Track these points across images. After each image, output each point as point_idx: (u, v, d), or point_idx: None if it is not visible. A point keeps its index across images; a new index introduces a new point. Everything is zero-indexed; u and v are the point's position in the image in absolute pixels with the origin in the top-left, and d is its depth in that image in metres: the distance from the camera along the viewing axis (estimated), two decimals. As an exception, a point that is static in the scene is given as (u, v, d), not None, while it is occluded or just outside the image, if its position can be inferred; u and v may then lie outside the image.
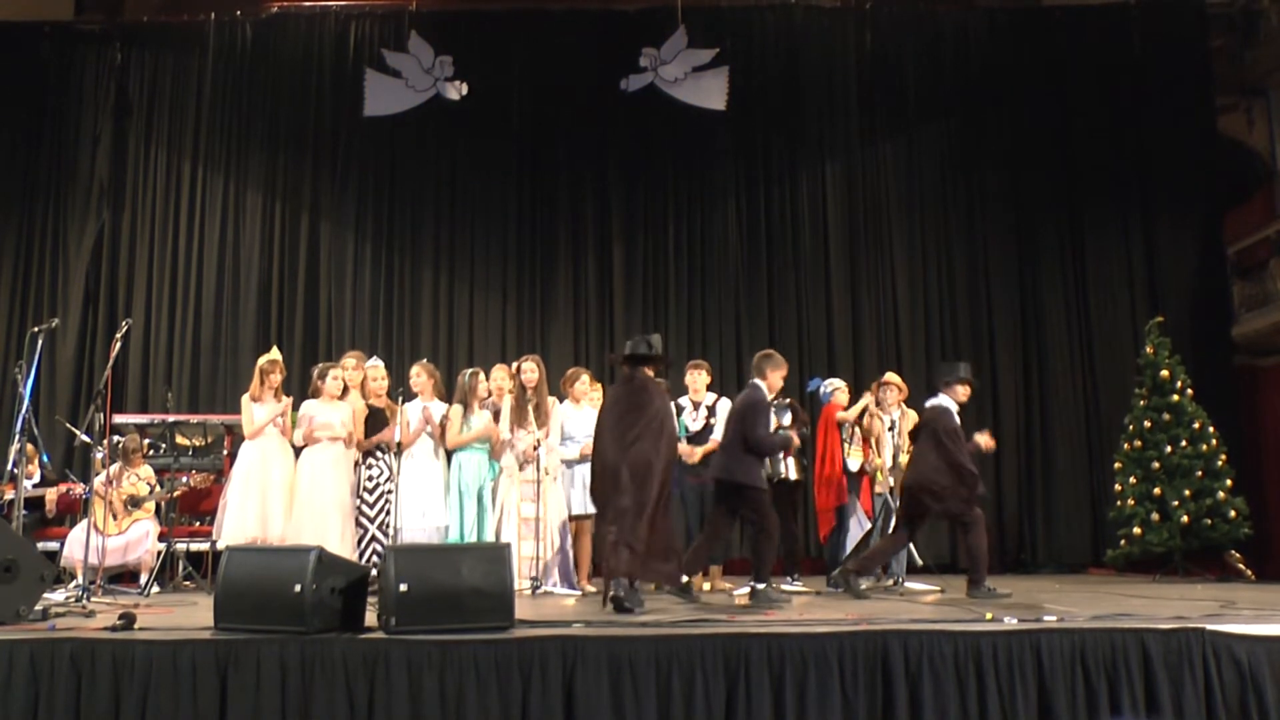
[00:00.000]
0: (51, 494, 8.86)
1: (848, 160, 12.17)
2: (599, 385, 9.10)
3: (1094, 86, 11.97)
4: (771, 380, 7.22)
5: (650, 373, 6.73)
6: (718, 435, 8.66)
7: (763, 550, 6.81)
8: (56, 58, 12.34)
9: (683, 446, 8.71)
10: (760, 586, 6.69)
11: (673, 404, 8.77)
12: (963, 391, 7.51)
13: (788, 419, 8.66)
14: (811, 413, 9.22)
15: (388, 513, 7.82)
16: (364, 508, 7.86)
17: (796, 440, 7.87)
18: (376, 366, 8.27)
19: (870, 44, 12.33)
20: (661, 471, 6.26)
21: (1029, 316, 11.74)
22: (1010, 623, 4.97)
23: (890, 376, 8.93)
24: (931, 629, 4.74)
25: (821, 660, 4.53)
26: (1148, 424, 10.14)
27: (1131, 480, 10.00)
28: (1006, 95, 12.03)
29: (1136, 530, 9.83)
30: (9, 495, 7.94)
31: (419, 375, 8.36)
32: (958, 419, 7.41)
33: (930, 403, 7.56)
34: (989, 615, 5.29)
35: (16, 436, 6.85)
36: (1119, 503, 10.21)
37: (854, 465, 8.53)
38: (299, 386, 9.29)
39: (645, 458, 6.24)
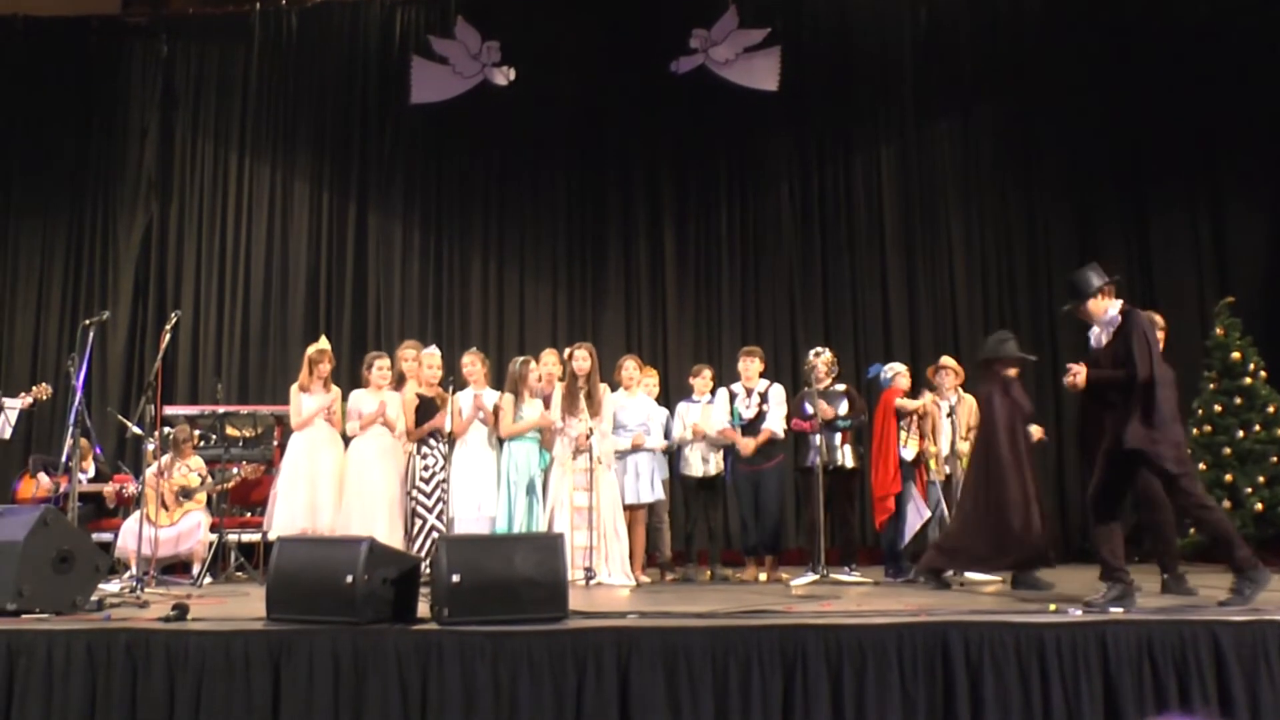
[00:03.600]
0: (109, 489, 9.05)
1: (903, 141, 12.06)
2: (653, 371, 9.12)
3: (1159, 58, 11.71)
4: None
5: (1007, 373, 7.05)
6: (771, 424, 8.66)
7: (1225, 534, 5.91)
8: (103, 52, 12.51)
9: (734, 435, 8.71)
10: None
11: (725, 391, 8.83)
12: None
13: (844, 408, 8.62)
14: (870, 400, 9.15)
15: (445, 502, 7.89)
16: (421, 498, 7.94)
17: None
18: (433, 354, 8.34)
19: (924, 20, 12.19)
20: (986, 466, 6.91)
21: (1092, 299, 11.56)
22: (1074, 614, 4.92)
23: (946, 361, 8.84)
24: (992, 620, 4.70)
25: (880, 652, 4.50)
26: (1218, 408, 9.96)
27: (1201, 466, 9.80)
28: (1066, 70, 11.81)
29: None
30: (64, 487, 8.10)
31: (473, 364, 8.41)
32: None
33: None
34: (1053, 606, 5.24)
35: (70, 429, 6.97)
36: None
37: (909, 454, 8.45)
38: (348, 376, 9.40)
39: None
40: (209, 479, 8.69)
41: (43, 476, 9.10)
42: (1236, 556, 5.42)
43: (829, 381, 8.68)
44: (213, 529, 8.54)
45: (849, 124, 12.10)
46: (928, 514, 8.37)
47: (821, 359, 8.66)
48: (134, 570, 7.27)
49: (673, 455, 8.94)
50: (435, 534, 7.78)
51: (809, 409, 8.42)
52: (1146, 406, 5.50)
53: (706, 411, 8.76)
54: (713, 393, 8.91)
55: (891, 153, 12.03)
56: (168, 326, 7.53)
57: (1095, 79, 11.77)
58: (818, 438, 8.29)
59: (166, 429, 9.03)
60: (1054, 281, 11.60)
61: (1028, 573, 7.05)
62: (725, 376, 9.46)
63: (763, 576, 8.50)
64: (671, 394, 9.94)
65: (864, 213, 11.94)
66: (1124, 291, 11.28)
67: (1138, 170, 11.71)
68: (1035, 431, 7.47)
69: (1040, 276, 11.64)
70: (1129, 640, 4.52)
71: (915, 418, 8.46)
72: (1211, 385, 10.07)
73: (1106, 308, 6.02)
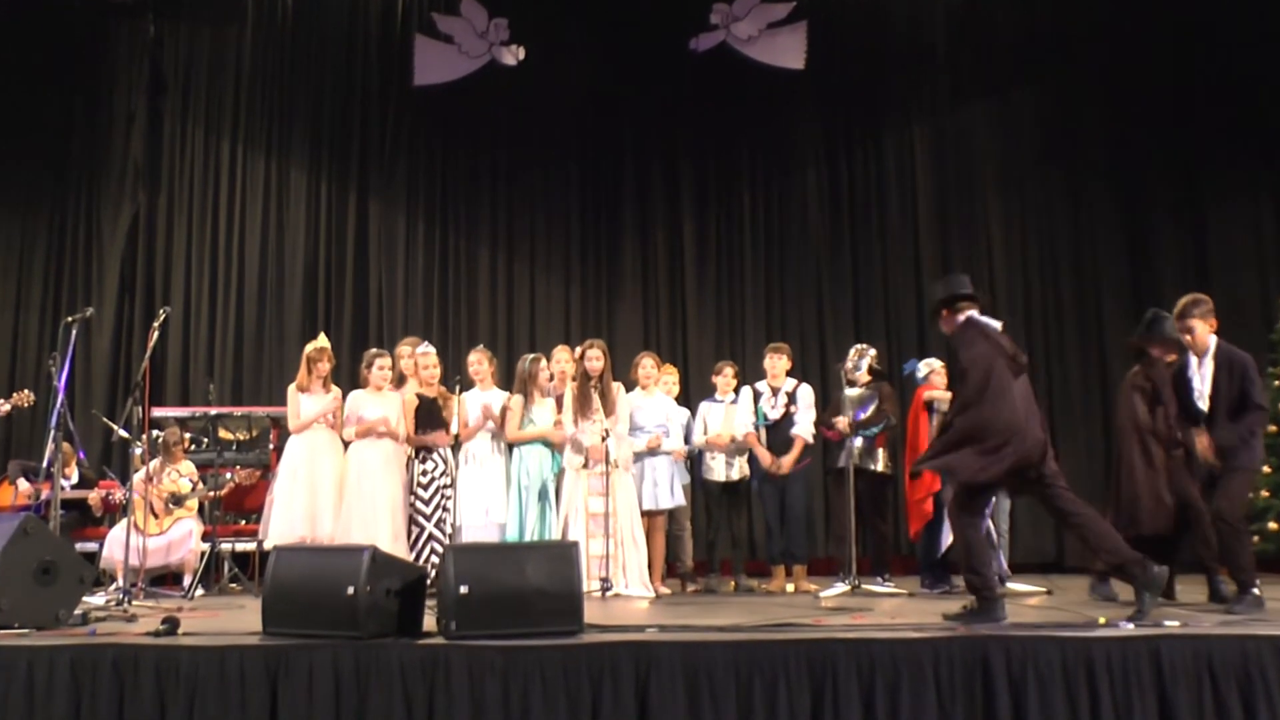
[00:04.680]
0: (93, 496, 9.06)
1: (936, 123, 12.00)
2: (672, 369, 9.09)
3: (1213, 31, 11.57)
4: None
5: (1166, 358, 6.77)
6: (799, 430, 8.63)
7: (1235, 548, 6.27)
8: (87, 32, 12.51)
9: (756, 443, 8.67)
10: (1256, 592, 6.12)
11: (749, 390, 8.80)
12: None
13: (872, 409, 8.58)
14: (905, 399, 9.10)
15: (445, 509, 7.91)
16: (419, 505, 7.97)
17: None
18: (427, 353, 8.33)
19: (959, -8, 12.15)
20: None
21: (1142, 292, 11.40)
22: (1126, 628, 4.88)
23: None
24: (1037, 635, 4.68)
25: (915, 668, 4.48)
26: (1284, 406, 9.86)
27: (1265, 469, 9.69)
28: (1112, 46, 11.71)
29: (1272, 525, 9.54)
30: (45, 494, 8.12)
31: (480, 362, 8.42)
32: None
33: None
34: (1103, 619, 5.20)
35: (52, 432, 6.99)
36: (1251, 494, 9.94)
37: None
38: (348, 376, 9.41)
39: None
40: (201, 485, 8.71)
41: (22, 483, 9.12)
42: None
43: (867, 380, 8.65)
44: (205, 538, 8.55)
45: (880, 105, 12.05)
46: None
47: (866, 358, 8.63)
48: (121, 582, 7.27)
49: (694, 458, 8.93)
50: (434, 543, 7.84)
51: (844, 411, 8.38)
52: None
53: (730, 412, 8.74)
54: (736, 391, 8.89)
55: (925, 136, 11.97)
56: (156, 323, 7.53)
57: (1144, 55, 11.65)
58: (859, 440, 8.28)
59: (155, 432, 9.04)
60: (1100, 273, 11.54)
61: (1106, 580, 6.98)
62: (749, 374, 9.44)
63: (790, 587, 8.48)
64: (692, 393, 9.92)
65: (896, 200, 11.89)
66: (1178, 286, 11.24)
67: (1193, 153, 11.56)
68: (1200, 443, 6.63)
69: (1085, 267, 11.56)
70: (1185, 656, 4.48)
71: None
72: (1276, 382, 9.96)
73: (955, 320, 5.87)
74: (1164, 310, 6.90)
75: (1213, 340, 6.48)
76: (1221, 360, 6.44)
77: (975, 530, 5.62)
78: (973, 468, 5.45)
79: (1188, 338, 6.51)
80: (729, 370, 9.00)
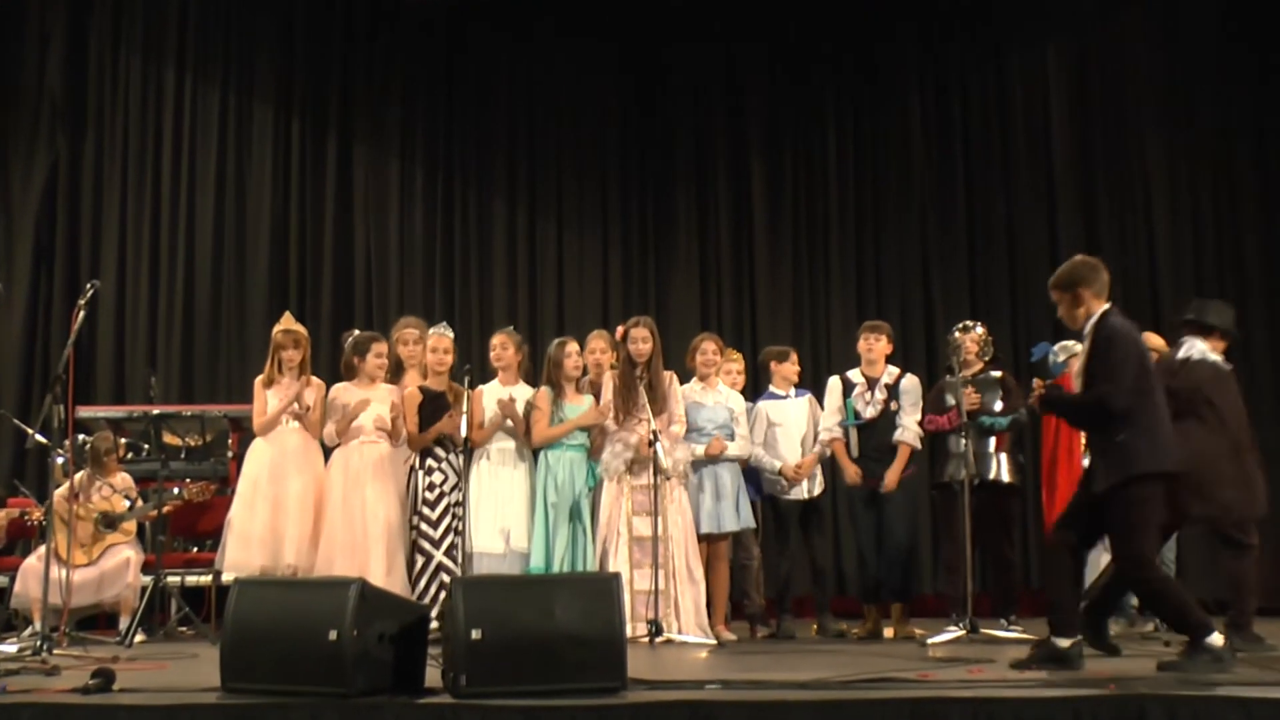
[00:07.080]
0: (2, 516, 9.12)
1: (1079, 36, 11.94)
2: (739, 355, 9.07)
3: None
4: None
5: None
6: (905, 435, 8.57)
7: None
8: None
9: (850, 467, 8.65)
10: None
11: (837, 380, 8.77)
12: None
13: (998, 405, 8.54)
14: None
15: (456, 531, 7.91)
16: (424, 526, 7.99)
17: None
18: (443, 335, 8.36)
19: None
20: None
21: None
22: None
23: (1148, 339, 8.74)
24: (1209, 694, 4.65)
25: (1051, 737, 4.47)
26: None
27: None
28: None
29: None
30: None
31: (505, 347, 8.45)
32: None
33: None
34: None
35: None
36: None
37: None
38: (328, 365, 9.45)
39: None
40: (141, 502, 8.76)
41: (-86, 504, 9.23)
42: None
43: (980, 366, 8.60)
44: (146, 569, 8.61)
45: (1003, 15, 11.97)
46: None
47: (970, 336, 8.59)
48: (38, 625, 7.34)
49: (752, 471, 8.88)
50: (443, 575, 7.84)
51: (949, 400, 8.33)
52: None
53: (798, 411, 8.71)
54: (797, 386, 8.87)
55: (1062, 51, 11.92)
56: (82, 301, 7.57)
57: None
58: (962, 441, 8.20)
59: (82, 437, 9.11)
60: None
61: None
62: (835, 362, 9.41)
63: (888, 632, 8.48)
64: (761, 385, 9.91)
65: (1024, 137, 11.84)
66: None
67: None
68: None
69: (1275, 218, 11.42)
70: None
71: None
72: None
73: None
74: None
75: (1099, 312, 6.45)
76: (1097, 334, 6.42)
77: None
78: None
79: (1061, 309, 6.56)
80: (795, 357, 9.00)
